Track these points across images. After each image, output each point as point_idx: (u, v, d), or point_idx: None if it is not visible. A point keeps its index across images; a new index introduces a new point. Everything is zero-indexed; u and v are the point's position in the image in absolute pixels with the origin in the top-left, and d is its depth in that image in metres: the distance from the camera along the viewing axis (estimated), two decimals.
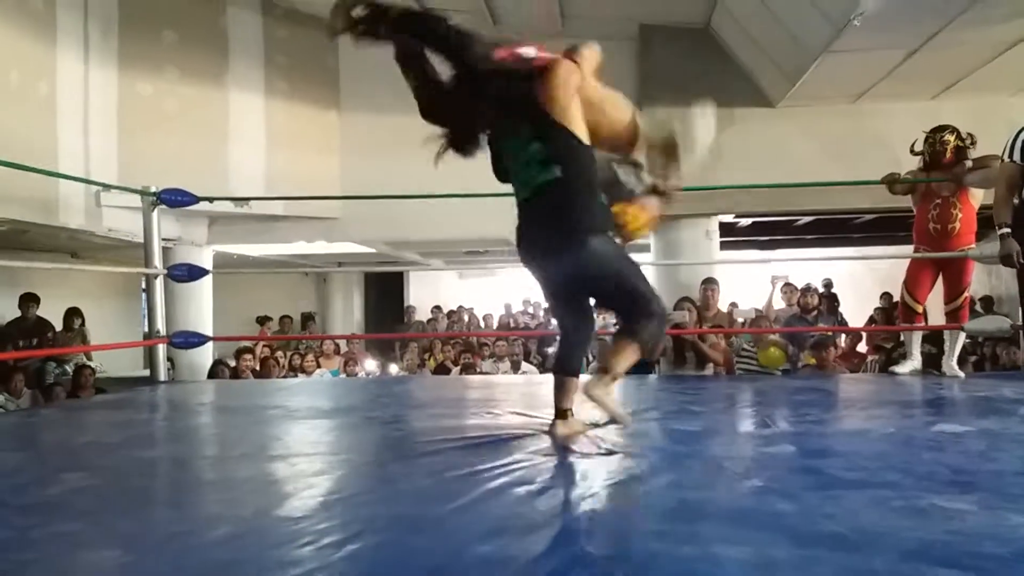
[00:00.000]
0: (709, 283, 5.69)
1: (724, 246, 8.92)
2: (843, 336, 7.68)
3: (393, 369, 7.83)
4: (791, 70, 6.46)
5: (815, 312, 6.65)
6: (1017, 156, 3.26)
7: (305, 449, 2.64)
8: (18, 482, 2.15)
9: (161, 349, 4.74)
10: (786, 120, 7.33)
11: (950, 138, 4.39)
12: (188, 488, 2.15)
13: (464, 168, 8.97)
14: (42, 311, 8.02)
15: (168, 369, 5.05)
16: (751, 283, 8.53)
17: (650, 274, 9.71)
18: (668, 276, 7.57)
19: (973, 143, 4.42)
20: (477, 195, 6.55)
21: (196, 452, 2.76)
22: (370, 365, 8.69)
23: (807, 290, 6.83)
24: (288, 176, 7.96)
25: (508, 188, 7.90)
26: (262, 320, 11.62)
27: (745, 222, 9.94)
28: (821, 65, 5.94)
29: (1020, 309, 3.64)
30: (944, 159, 4.38)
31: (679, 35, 7.53)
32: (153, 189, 4.66)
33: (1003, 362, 6.63)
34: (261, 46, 7.95)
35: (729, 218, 8.66)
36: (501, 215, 8.20)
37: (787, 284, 7.15)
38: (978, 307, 9.02)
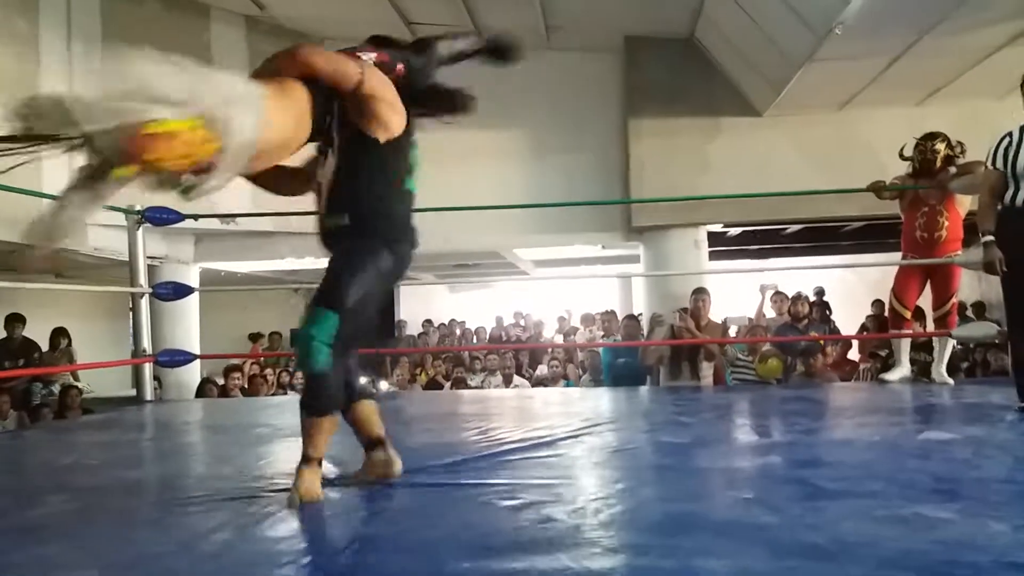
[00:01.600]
0: (700, 293, 5.69)
1: (714, 256, 8.93)
2: (835, 344, 7.68)
3: (383, 385, 7.79)
4: (776, 79, 6.49)
5: (806, 320, 6.65)
6: (1000, 163, 3.27)
7: (290, 468, 2.62)
8: (1, 504, 2.13)
9: (147, 368, 4.71)
10: (772, 129, 7.36)
11: (941, 147, 4.40)
12: (171, 509, 2.12)
13: (454, 181, 8.99)
14: (28, 331, 7.96)
15: (155, 388, 5.02)
16: (741, 293, 8.54)
17: (639, 284, 9.77)
18: (657, 287, 7.58)
19: (963, 151, 4.43)
20: (468, 208, 6.58)
21: (181, 472, 2.73)
22: (360, 381, 8.62)
23: (797, 299, 6.83)
24: None
25: (498, 201, 7.86)
26: (255, 337, 11.57)
27: (734, 232, 9.96)
28: (805, 74, 5.97)
29: (1007, 315, 3.65)
30: (934, 167, 4.40)
31: (664, 46, 7.57)
32: (138, 207, 4.64)
33: (994, 368, 6.63)
34: (246, 61, 7.94)
35: (718, 228, 8.68)
36: (490, 227, 8.26)
37: (777, 293, 7.16)
38: (970, 313, 9.05)
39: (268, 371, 8.58)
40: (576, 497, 1.96)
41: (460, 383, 7.40)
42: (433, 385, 7.68)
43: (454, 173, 8.01)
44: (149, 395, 4.71)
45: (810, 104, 6.92)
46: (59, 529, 1.87)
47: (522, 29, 7.52)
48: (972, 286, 9.34)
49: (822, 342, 6.08)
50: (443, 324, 11.85)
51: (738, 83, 7.35)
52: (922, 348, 5.10)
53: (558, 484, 2.14)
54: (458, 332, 11.48)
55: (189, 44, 7.60)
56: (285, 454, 2.89)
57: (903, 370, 4.66)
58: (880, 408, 3.61)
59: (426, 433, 3.19)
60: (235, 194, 8.06)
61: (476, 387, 7.16)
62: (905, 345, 4.75)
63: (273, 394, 7.61)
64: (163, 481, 2.52)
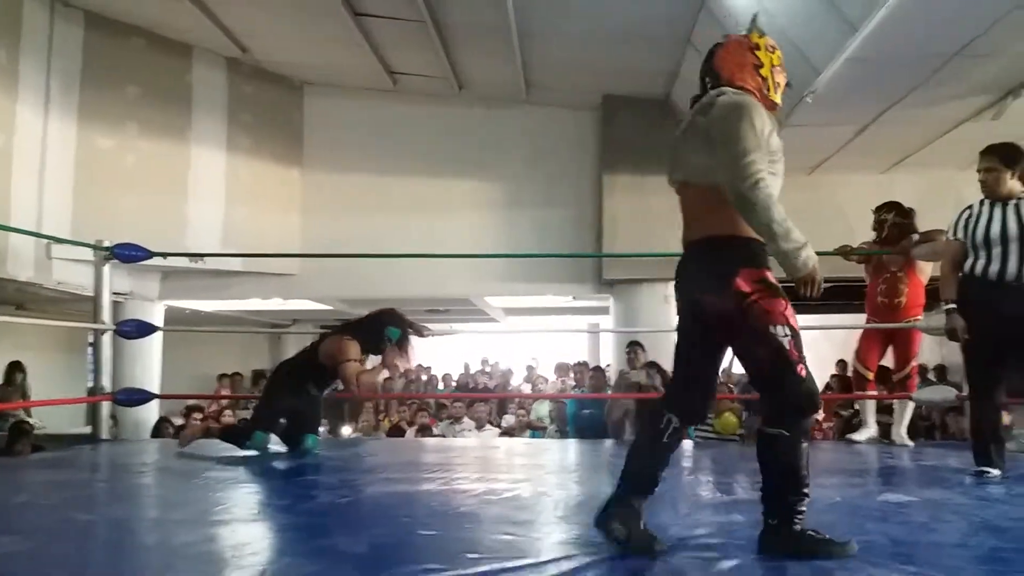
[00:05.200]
0: (634, 346, 5.79)
1: None
2: None
3: (345, 430, 7.67)
4: None
5: None
6: (960, 234, 3.39)
7: (245, 514, 2.57)
8: None
9: (105, 406, 4.60)
10: None
11: (887, 216, 4.59)
12: (123, 553, 2.06)
13: (426, 227, 9.05)
14: None
15: (111, 427, 4.89)
16: None
17: (608, 336, 9.80)
18: (626, 339, 7.61)
19: (912, 217, 4.59)
20: (439, 255, 6.63)
21: (134, 515, 2.66)
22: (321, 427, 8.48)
23: None
24: (247, 232, 7.92)
25: (469, 249, 7.94)
26: (224, 377, 11.37)
27: None
28: None
29: (966, 380, 3.74)
30: (883, 236, 4.57)
31: (641, 105, 7.76)
32: (107, 243, 4.59)
33: (952, 431, 6.73)
34: (225, 102, 7.98)
35: None
36: (464, 274, 8.26)
37: None
38: (931, 376, 9.20)
39: (228, 413, 8.42)
40: (535, 556, 1.94)
41: (424, 430, 7.31)
42: (396, 431, 7.58)
43: (431, 221, 8.08)
44: (105, 433, 4.60)
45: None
46: (9, 572, 1.81)
47: (502, 83, 7.69)
48: (933, 350, 9.52)
49: None
50: (408, 369, 11.76)
51: None
52: (884, 410, 5.19)
53: (518, 542, 2.13)
54: (424, 378, 11.39)
55: (171, 84, 7.63)
56: (241, 498, 2.84)
57: (870, 431, 4.73)
58: (842, 469, 3.64)
59: (389, 482, 3.15)
60: (206, 233, 8.04)
61: (439, 435, 7.08)
62: (871, 407, 4.82)
63: None
64: (117, 524, 2.45)
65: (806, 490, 1.95)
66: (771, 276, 2.01)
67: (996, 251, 3.25)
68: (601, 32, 6.28)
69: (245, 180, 8.07)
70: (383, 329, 3.95)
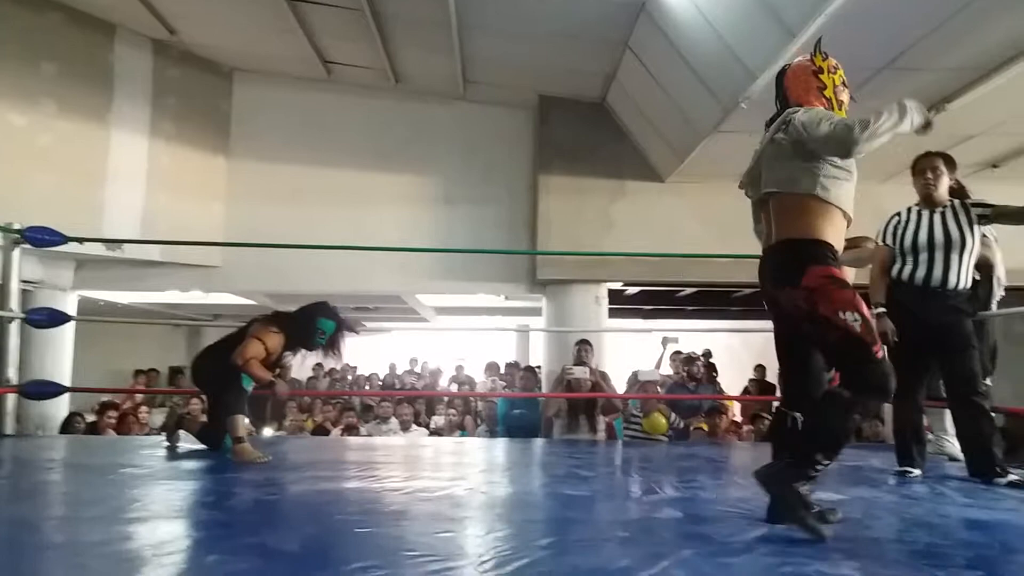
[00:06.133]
0: (583, 344, 5.78)
1: (612, 313, 9.11)
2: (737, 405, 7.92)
3: (267, 431, 7.41)
4: (680, 148, 6.77)
5: (697, 381, 6.84)
6: (889, 239, 3.50)
7: (165, 511, 2.42)
8: None
9: (10, 399, 4.31)
10: (674, 195, 7.65)
11: None
12: (30, 553, 1.90)
13: (356, 221, 8.85)
14: None
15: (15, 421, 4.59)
16: (642, 348, 8.72)
17: (539, 336, 9.80)
18: (558, 339, 7.62)
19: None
20: (370, 248, 6.48)
21: (42, 514, 2.47)
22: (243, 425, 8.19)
23: (694, 359, 7.04)
24: (168, 220, 7.58)
25: (403, 243, 7.82)
26: (140, 373, 10.90)
27: (632, 290, 10.22)
28: (709, 144, 6.25)
29: None
30: None
31: (577, 107, 7.79)
32: (16, 226, 4.31)
33: (867, 435, 6.98)
34: (149, 85, 7.63)
35: (618, 285, 8.88)
36: (394, 271, 8.12)
37: (676, 352, 7.36)
38: None
39: (143, 409, 8.06)
40: (474, 553, 1.88)
41: (350, 430, 7.14)
42: (321, 431, 7.38)
43: (362, 215, 7.90)
44: (9, 428, 4.31)
45: (711, 173, 7.25)
46: None
47: (440, 78, 7.60)
48: None
49: (724, 404, 6.26)
50: (334, 369, 11.50)
51: (644, 149, 7.63)
52: None
53: (454, 538, 2.06)
54: (350, 378, 11.17)
55: (91, 63, 7.25)
56: (158, 495, 2.68)
57: None
58: None
59: (314, 480, 3.03)
60: (125, 220, 7.65)
61: (367, 436, 6.92)
62: None
63: (148, 434, 7.12)
64: (23, 523, 2.26)
65: (829, 460, 2.09)
66: (839, 272, 2.22)
67: (923, 257, 3.36)
68: (540, 31, 6.26)
69: (167, 167, 7.73)
70: (315, 321, 3.81)
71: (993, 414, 3.33)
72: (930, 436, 4.02)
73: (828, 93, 2.40)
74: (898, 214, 3.54)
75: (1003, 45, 4.50)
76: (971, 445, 3.28)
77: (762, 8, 4.39)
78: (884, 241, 3.54)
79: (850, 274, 4.65)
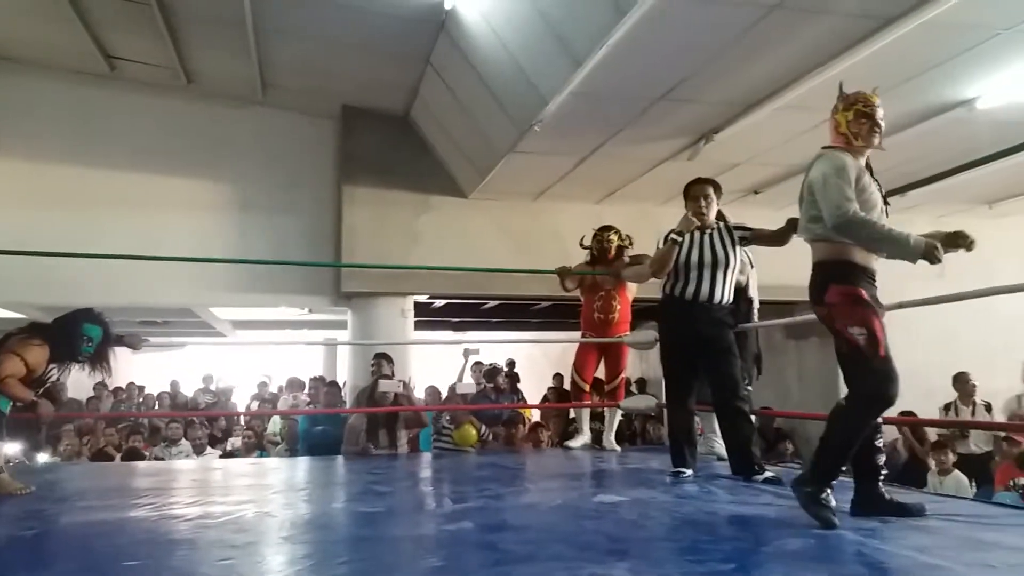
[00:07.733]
0: (380, 357, 5.73)
1: (418, 325, 9.14)
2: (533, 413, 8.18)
3: (40, 457, 6.65)
4: (481, 166, 6.95)
5: (500, 391, 7.03)
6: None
7: None
8: None
9: None
10: (476, 211, 7.82)
11: (614, 237, 5.03)
12: None
13: (142, 228, 8.19)
14: None
15: None
16: (448, 360, 8.80)
17: (346, 351, 9.61)
18: (364, 354, 7.52)
19: (631, 243, 5.10)
20: (156, 258, 5.95)
21: None
22: (11, 450, 7.28)
23: (497, 371, 7.22)
24: None
25: (193, 254, 7.32)
26: None
27: (439, 303, 10.32)
28: (507, 163, 6.47)
29: (664, 390, 4.19)
30: (608, 256, 5.00)
31: (381, 120, 7.73)
32: None
33: (651, 437, 7.54)
34: None
35: (424, 298, 8.92)
36: (186, 282, 7.60)
37: (478, 363, 7.50)
38: (633, 388, 10.22)
39: None
40: (261, 573, 1.82)
41: (133, 454, 6.59)
42: (101, 457, 6.75)
43: (149, 221, 7.32)
44: None
45: (510, 191, 7.51)
46: None
47: (236, 80, 7.25)
48: (635, 364, 10.57)
49: (522, 413, 6.46)
50: (119, 388, 10.56)
51: (448, 165, 7.74)
52: (596, 417, 5.67)
53: (242, 560, 1.98)
54: (139, 398, 10.32)
55: None
56: None
57: (584, 437, 5.18)
58: (561, 473, 3.90)
59: (88, 511, 2.78)
60: None
61: (157, 459, 6.42)
62: (586, 415, 5.27)
63: None
64: None
65: (843, 467, 2.43)
66: (861, 292, 2.48)
67: (693, 274, 3.69)
68: (341, 40, 6.16)
69: None
70: (79, 327, 3.46)
71: (752, 417, 3.72)
72: (702, 437, 4.42)
73: (843, 129, 2.65)
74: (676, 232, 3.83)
75: (765, 81, 5.03)
76: (733, 446, 3.65)
77: (551, 35, 4.61)
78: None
79: (634, 288, 5.06)
